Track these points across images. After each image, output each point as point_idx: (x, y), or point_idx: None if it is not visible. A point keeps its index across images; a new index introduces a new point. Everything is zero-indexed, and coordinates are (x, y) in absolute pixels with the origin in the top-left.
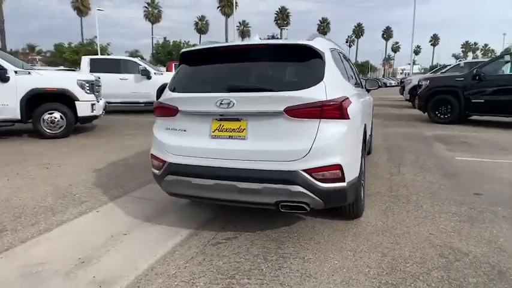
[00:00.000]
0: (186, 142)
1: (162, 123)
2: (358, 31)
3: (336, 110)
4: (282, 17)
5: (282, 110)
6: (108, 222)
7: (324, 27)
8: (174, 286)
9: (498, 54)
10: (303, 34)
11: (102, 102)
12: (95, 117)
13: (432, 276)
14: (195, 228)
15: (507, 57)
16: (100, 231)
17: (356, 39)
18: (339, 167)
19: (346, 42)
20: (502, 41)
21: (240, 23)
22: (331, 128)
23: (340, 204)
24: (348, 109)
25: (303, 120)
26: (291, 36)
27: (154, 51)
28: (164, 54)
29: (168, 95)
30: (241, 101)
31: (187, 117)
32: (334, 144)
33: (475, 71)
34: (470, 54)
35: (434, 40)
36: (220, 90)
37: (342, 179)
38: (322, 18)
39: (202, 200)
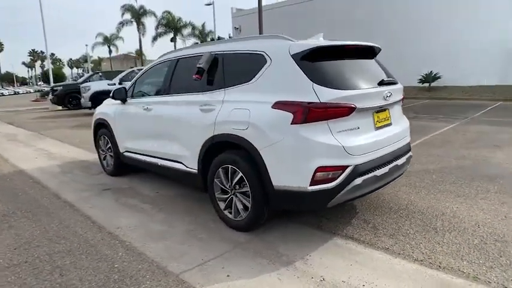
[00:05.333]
0: (363, 139)
1: (328, 126)
2: None
3: None
4: None
5: (401, 98)
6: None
7: None
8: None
9: (65, 62)
10: None
11: None
12: None
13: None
14: (332, 233)
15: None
16: None
17: None
18: None
19: None
20: (86, 49)
21: None
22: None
23: None
24: None
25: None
26: None
27: None
28: None
29: (339, 93)
30: (394, 93)
31: (358, 114)
32: None
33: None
34: (39, 62)
35: None
36: (374, 84)
37: None
38: None
39: (366, 195)
